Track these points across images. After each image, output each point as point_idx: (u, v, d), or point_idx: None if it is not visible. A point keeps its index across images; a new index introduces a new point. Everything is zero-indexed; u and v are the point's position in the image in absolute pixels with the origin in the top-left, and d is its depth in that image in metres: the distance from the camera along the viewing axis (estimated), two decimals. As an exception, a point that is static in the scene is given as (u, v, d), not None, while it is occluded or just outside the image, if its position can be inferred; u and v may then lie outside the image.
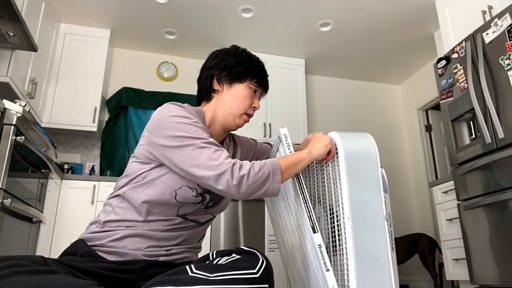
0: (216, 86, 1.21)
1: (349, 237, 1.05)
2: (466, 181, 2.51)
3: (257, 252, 0.97)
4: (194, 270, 0.88)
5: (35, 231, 2.42)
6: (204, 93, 1.23)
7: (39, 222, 2.43)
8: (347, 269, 1.04)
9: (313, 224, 1.06)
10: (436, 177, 4.20)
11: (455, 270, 2.75)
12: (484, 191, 2.36)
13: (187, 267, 0.91)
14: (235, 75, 1.20)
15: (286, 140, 1.14)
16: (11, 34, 2.48)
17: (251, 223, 3.26)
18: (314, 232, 1.05)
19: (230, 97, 1.19)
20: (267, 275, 0.91)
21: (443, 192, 2.89)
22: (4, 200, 1.88)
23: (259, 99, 1.27)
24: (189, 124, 1.04)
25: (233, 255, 0.96)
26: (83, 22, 3.68)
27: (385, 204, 1.13)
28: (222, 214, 3.22)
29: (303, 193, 1.09)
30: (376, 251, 1.07)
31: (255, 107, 1.24)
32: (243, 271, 0.88)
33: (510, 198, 2.19)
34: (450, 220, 2.78)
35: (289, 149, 1.14)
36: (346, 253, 1.05)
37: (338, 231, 1.09)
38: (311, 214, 1.07)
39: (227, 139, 1.30)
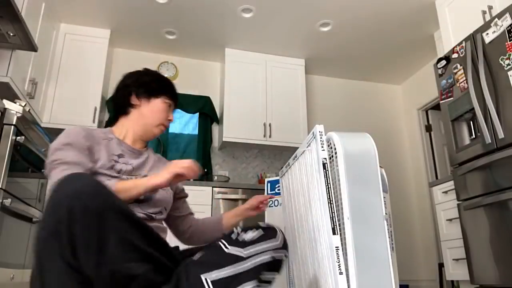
0: (134, 101, 1.34)
1: (349, 237, 1.05)
2: (466, 181, 2.51)
3: (275, 227, 1.12)
4: (228, 247, 1.01)
5: (35, 231, 2.42)
6: (121, 109, 1.37)
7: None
8: (347, 269, 1.04)
9: (334, 225, 1.07)
10: (436, 177, 4.20)
11: (455, 270, 2.75)
12: (484, 191, 2.36)
13: (220, 243, 1.03)
14: (151, 91, 1.35)
15: (321, 138, 1.15)
16: (11, 34, 2.48)
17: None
18: (334, 233, 1.06)
19: (149, 110, 1.34)
20: (286, 244, 1.10)
21: (443, 192, 2.89)
22: (4, 200, 1.88)
23: (172, 113, 1.44)
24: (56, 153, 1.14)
25: (254, 229, 1.09)
26: (83, 22, 3.68)
27: (385, 204, 1.13)
28: (222, 214, 3.22)
29: (329, 193, 1.10)
30: (376, 251, 1.07)
31: (170, 119, 1.40)
32: (270, 243, 1.04)
33: (510, 198, 2.19)
34: (450, 220, 2.78)
35: (322, 147, 1.14)
36: (346, 253, 1.05)
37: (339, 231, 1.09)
38: (333, 216, 1.07)
39: (151, 153, 1.40)
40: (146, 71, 1.43)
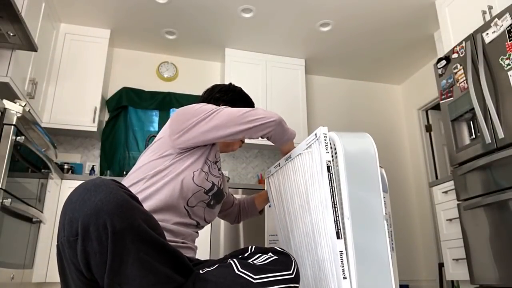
0: None
1: (349, 237, 1.05)
2: (466, 181, 2.51)
3: (289, 254, 1.04)
4: (240, 269, 0.95)
5: (35, 231, 2.42)
6: None
7: (39, 222, 2.43)
8: (348, 269, 1.04)
9: (338, 229, 1.05)
10: (436, 177, 4.20)
11: (455, 270, 2.75)
12: (484, 191, 2.36)
13: (232, 262, 0.97)
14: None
15: (325, 140, 1.12)
16: (11, 34, 2.48)
17: (251, 223, 3.26)
18: (338, 237, 1.04)
19: None
20: (299, 275, 1.00)
21: (443, 192, 2.89)
22: (4, 200, 1.88)
23: None
24: (209, 106, 1.25)
25: (270, 254, 1.02)
26: (83, 22, 3.68)
27: (385, 204, 1.13)
28: (222, 214, 3.22)
29: (333, 196, 1.08)
30: (376, 251, 1.07)
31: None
32: (282, 273, 0.97)
33: (510, 198, 2.19)
34: (450, 220, 2.78)
35: (326, 149, 1.11)
36: (346, 253, 1.05)
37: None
38: (338, 219, 1.06)
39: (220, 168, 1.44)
40: (234, 88, 1.49)
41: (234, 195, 3.28)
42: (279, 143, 1.33)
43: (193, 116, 1.21)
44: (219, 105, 1.42)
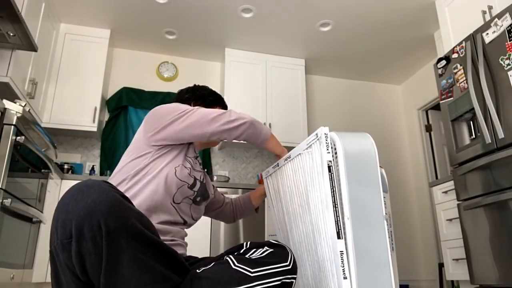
0: None
1: (349, 237, 1.05)
2: (466, 181, 2.51)
3: (285, 246, 1.03)
4: (237, 264, 0.95)
5: (35, 231, 2.42)
6: None
7: (39, 222, 2.43)
8: (348, 269, 1.04)
9: (339, 229, 1.05)
10: (436, 177, 4.20)
11: (455, 270, 2.75)
12: (484, 191, 2.36)
13: (228, 259, 0.97)
14: (209, 102, 1.51)
15: (326, 140, 1.12)
16: (11, 34, 2.48)
17: (251, 223, 3.26)
18: (339, 237, 1.05)
19: None
20: (296, 267, 1.00)
21: (443, 192, 2.89)
22: (4, 200, 1.88)
23: None
24: (184, 105, 1.28)
25: (266, 248, 1.02)
26: (83, 22, 3.68)
27: (385, 204, 1.13)
28: (222, 214, 3.22)
29: (334, 196, 1.08)
30: (376, 251, 1.07)
31: None
32: (279, 265, 0.97)
33: (510, 198, 2.19)
34: (450, 220, 2.78)
35: (327, 149, 1.11)
36: (347, 253, 1.05)
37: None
38: (339, 219, 1.06)
39: (201, 163, 1.44)
40: (199, 86, 1.55)
41: (234, 195, 3.31)
42: (256, 144, 1.35)
43: (168, 114, 1.23)
44: (190, 104, 1.47)
